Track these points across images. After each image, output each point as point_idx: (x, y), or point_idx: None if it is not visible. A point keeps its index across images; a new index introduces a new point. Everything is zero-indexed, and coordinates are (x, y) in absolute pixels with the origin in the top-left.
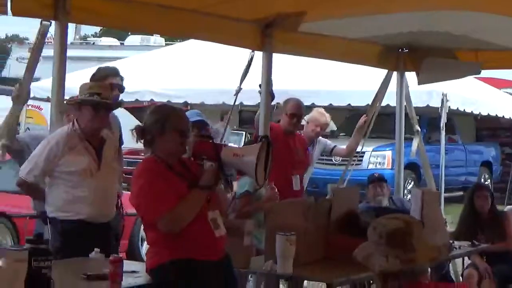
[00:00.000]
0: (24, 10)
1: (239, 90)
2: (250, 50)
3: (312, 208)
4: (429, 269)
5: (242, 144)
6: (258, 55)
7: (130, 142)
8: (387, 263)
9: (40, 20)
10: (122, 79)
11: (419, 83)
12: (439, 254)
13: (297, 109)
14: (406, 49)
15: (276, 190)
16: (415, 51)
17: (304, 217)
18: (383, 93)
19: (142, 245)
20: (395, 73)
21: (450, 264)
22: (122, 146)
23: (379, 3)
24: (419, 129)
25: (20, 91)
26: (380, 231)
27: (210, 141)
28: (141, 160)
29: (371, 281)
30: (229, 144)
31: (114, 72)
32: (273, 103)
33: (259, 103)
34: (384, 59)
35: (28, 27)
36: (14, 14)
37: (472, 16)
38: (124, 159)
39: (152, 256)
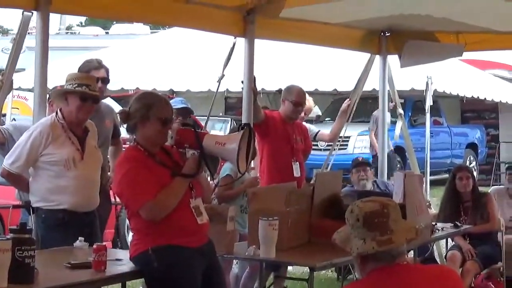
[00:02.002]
0: (5, 2)
1: (221, 77)
2: (233, 37)
3: (295, 193)
4: (412, 251)
5: (228, 131)
6: (242, 42)
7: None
8: (364, 246)
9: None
10: (106, 70)
11: (402, 66)
12: (417, 235)
13: (302, 97)
14: (388, 33)
15: (258, 176)
16: (397, 35)
17: (287, 201)
18: (366, 77)
19: (128, 233)
20: (378, 57)
21: (434, 246)
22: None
23: None
24: (402, 112)
25: (2, 82)
26: (356, 214)
27: (192, 129)
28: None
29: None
30: (213, 132)
31: (97, 65)
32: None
33: None
34: (366, 43)
35: (12, 17)
36: None
37: None
38: None
39: (135, 244)
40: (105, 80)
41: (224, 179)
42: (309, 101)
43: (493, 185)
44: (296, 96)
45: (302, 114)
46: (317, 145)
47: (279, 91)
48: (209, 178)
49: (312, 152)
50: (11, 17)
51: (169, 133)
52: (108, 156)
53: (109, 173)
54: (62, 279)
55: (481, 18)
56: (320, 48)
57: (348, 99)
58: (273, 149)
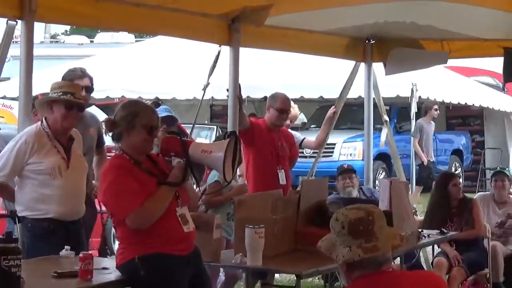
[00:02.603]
0: None
1: (207, 85)
2: (218, 45)
3: (281, 200)
4: (398, 258)
5: (213, 138)
6: (227, 50)
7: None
8: (349, 253)
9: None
10: (90, 79)
11: (386, 73)
12: (402, 242)
13: (287, 104)
14: (372, 40)
15: (246, 183)
16: (381, 42)
17: (273, 209)
18: (351, 85)
19: (114, 242)
20: (363, 65)
21: (421, 253)
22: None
23: None
24: (388, 119)
25: None
26: (342, 222)
27: (178, 137)
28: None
29: None
30: (198, 139)
31: (81, 74)
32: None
33: None
34: (351, 51)
35: None
36: None
37: (438, 6)
38: None
39: (122, 253)
40: (89, 89)
41: (212, 185)
42: (294, 108)
43: (478, 192)
44: (281, 103)
45: (288, 122)
46: (302, 152)
47: (265, 98)
48: (195, 186)
49: (298, 159)
50: None
51: (155, 141)
52: (93, 165)
53: (93, 181)
54: None
55: (466, 25)
56: (305, 55)
57: (334, 106)
58: (258, 157)
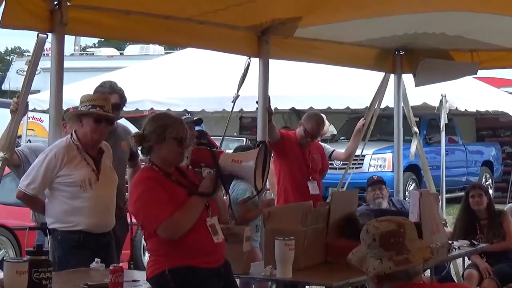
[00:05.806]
0: (18, 23)
1: (236, 97)
2: (247, 57)
3: (311, 212)
4: (428, 270)
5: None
6: (256, 61)
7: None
8: (381, 266)
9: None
10: (120, 93)
11: (416, 85)
12: (433, 254)
13: (316, 131)
14: (402, 51)
15: (273, 197)
16: (411, 53)
17: (303, 221)
18: (381, 96)
19: (144, 254)
20: (392, 76)
21: (451, 265)
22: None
23: (374, 6)
24: (417, 130)
25: (18, 104)
26: (373, 234)
27: (208, 148)
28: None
29: None
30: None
31: (109, 91)
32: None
33: None
34: (380, 62)
35: (29, 39)
36: (4, 26)
37: (467, 16)
38: None
39: (152, 265)
40: (117, 107)
41: (245, 199)
42: (326, 123)
43: (509, 203)
44: (310, 128)
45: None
46: (332, 164)
47: (292, 110)
48: (224, 197)
49: (328, 171)
50: (28, 38)
51: (184, 153)
52: (126, 177)
53: (126, 194)
54: None
55: (496, 36)
56: (332, 66)
57: (363, 118)
58: (289, 168)
